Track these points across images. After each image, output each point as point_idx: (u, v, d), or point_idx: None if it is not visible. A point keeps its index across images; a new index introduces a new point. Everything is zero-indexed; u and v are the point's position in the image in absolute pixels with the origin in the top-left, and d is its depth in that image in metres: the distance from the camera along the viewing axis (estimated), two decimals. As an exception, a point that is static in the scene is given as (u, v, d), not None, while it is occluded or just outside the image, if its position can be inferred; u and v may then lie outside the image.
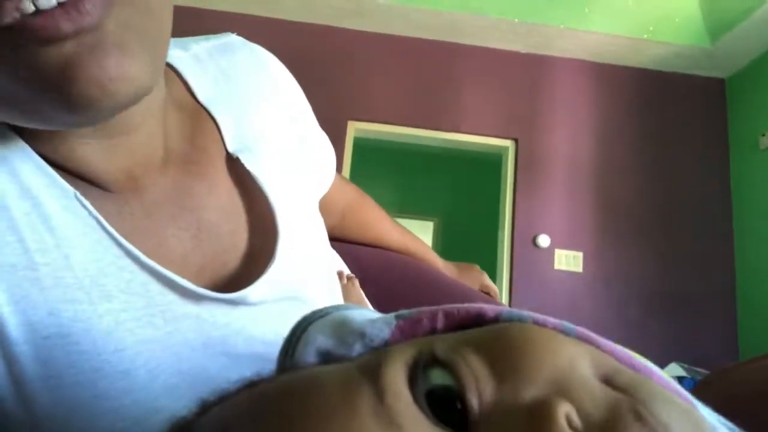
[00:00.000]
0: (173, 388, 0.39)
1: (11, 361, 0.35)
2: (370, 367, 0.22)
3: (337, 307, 0.33)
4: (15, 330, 0.34)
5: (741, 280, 3.43)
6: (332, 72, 3.50)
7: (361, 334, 0.29)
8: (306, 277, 0.50)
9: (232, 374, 0.28)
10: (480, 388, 0.21)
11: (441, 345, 0.23)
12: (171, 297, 0.41)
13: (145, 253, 0.40)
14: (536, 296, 3.32)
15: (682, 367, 2.72)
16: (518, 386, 0.21)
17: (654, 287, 3.40)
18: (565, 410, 0.19)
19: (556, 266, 3.41)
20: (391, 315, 0.30)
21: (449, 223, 5.67)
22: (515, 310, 0.28)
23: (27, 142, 0.36)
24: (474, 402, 0.20)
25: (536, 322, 0.26)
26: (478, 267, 1.06)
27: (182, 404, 0.26)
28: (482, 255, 3.23)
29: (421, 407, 0.20)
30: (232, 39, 0.58)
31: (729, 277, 3.45)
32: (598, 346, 0.24)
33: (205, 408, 0.24)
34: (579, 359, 0.22)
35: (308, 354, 0.30)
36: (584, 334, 0.26)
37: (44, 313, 0.35)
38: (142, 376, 0.38)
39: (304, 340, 0.31)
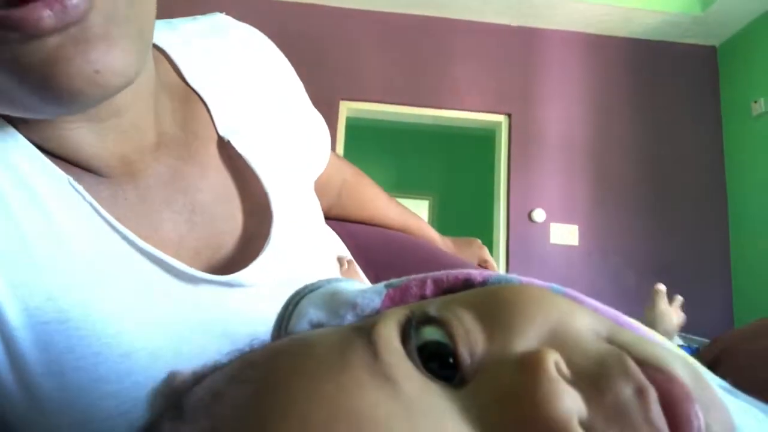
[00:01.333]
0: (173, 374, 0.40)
1: (12, 348, 0.35)
2: (364, 327, 0.22)
3: (328, 281, 0.33)
4: (14, 316, 0.34)
5: (735, 247, 3.45)
6: (323, 52, 3.47)
7: (353, 305, 0.29)
8: (302, 257, 0.50)
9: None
10: (471, 342, 0.21)
11: (433, 304, 0.23)
12: (168, 280, 0.41)
13: (140, 237, 0.40)
14: (533, 270, 3.33)
15: (680, 335, 2.75)
16: (509, 339, 0.21)
17: (649, 257, 3.42)
18: (554, 358, 0.19)
19: (552, 240, 3.42)
20: (381, 284, 0.30)
21: (445, 200, 5.68)
22: (502, 274, 0.28)
23: (18, 129, 0.36)
24: (465, 355, 0.21)
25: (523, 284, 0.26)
26: (478, 241, 1.06)
27: None
28: (478, 231, 3.24)
29: (413, 361, 0.20)
30: (221, 19, 0.57)
31: (723, 244, 3.47)
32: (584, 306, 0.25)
33: (198, 379, 0.24)
34: (570, 314, 0.22)
35: (301, 326, 0.30)
36: (572, 294, 0.26)
37: (43, 298, 0.35)
38: (143, 358, 0.39)
39: (297, 313, 0.31)
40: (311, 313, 0.31)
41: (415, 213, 0.99)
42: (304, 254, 0.51)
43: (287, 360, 0.21)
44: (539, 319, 0.22)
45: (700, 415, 0.18)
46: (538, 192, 3.48)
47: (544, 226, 3.44)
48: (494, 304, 0.23)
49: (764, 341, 0.45)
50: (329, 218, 0.80)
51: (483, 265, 1.02)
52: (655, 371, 0.19)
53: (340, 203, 0.84)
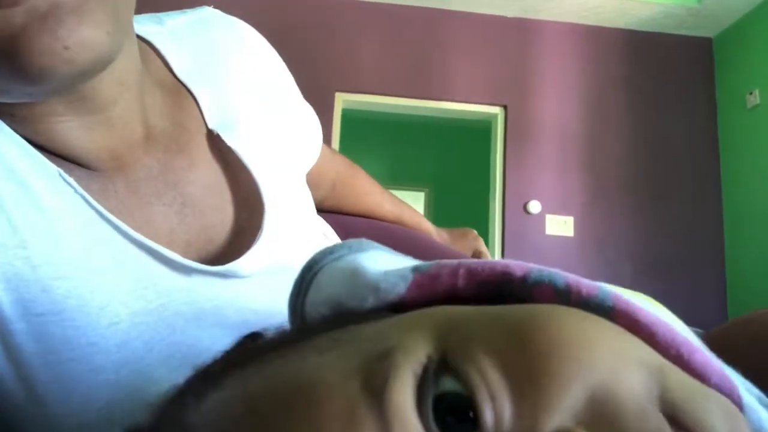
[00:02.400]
0: (168, 359, 0.40)
1: (8, 340, 0.35)
2: (376, 383, 0.19)
3: (349, 247, 0.31)
4: (9, 308, 0.34)
5: (729, 238, 3.47)
6: (317, 43, 3.46)
7: (375, 288, 0.27)
8: (294, 248, 0.50)
9: (225, 344, 0.28)
10: (497, 408, 0.18)
11: (452, 343, 0.20)
12: (161, 270, 0.41)
13: (132, 228, 0.40)
14: (529, 262, 3.34)
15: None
16: (539, 408, 0.18)
17: (645, 248, 3.44)
18: None
19: (548, 231, 3.43)
20: (408, 267, 0.27)
21: (440, 192, 5.68)
22: (545, 270, 0.25)
23: (7, 123, 0.36)
24: (489, 422, 0.18)
25: (569, 287, 0.24)
26: (474, 232, 1.05)
27: (178, 374, 0.27)
28: (474, 223, 3.24)
29: (425, 421, 0.18)
30: (209, 12, 0.57)
31: (718, 236, 3.49)
32: (637, 324, 0.22)
33: (200, 388, 0.23)
34: (617, 369, 0.19)
35: (320, 304, 0.29)
36: (623, 308, 0.23)
37: (37, 290, 0.35)
38: (138, 348, 0.39)
39: (316, 284, 0.29)
40: (331, 290, 0.28)
41: (409, 205, 0.99)
42: (296, 245, 0.51)
43: (294, 420, 0.20)
44: (578, 383, 0.19)
45: None
46: (533, 183, 3.48)
47: (540, 218, 3.45)
48: (525, 353, 0.19)
49: (755, 326, 0.45)
50: (323, 211, 0.80)
51: (477, 256, 1.02)
52: None
53: (334, 195, 0.84)
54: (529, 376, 0.19)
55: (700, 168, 3.58)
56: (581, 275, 0.26)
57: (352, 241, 0.31)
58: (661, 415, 0.18)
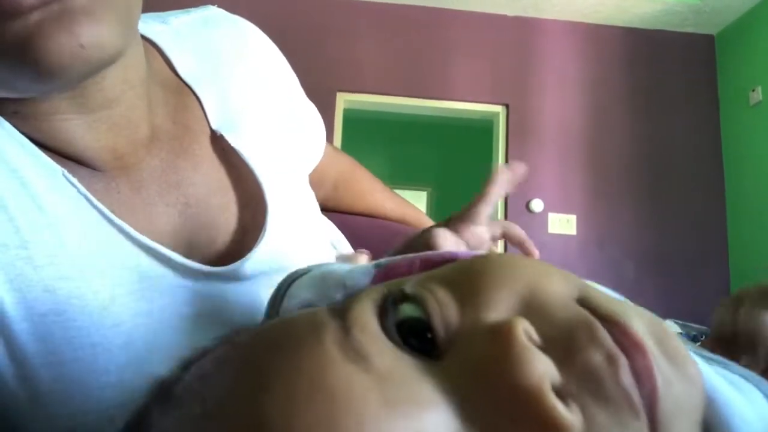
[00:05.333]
0: (171, 360, 0.40)
1: (10, 340, 0.35)
2: (340, 308, 0.23)
3: (319, 265, 0.34)
4: (12, 308, 0.34)
5: (732, 236, 3.46)
6: (319, 43, 3.45)
7: (343, 285, 0.30)
8: (297, 248, 0.50)
9: None
10: (445, 315, 0.21)
11: (409, 282, 0.24)
12: (163, 271, 0.41)
13: (135, 229, 0.40)
14: (531, 260, 3.33)
15: (677, 323, 2.77)
16: (480, 310, 0.21)
17: (647, 246, 3.43)
18: (523, 326, 0.20)
19: (550, 230, 3.43)
20: (371, 264, 0.30)
21: (442, 191, 5.67)
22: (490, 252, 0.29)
23: (10, 121, 0.36)
24: (439, 327, 0.21)
25: None
26: None
27: None
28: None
29: (390, 337, 0.21)
30: (213, 12, 0.57)
31: (721, 233, 3.48)
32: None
33: (186, 365, 0.25)
34: (540, 279, 0.23)
35: (292, 308, 0.30)
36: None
37: (39, 290, 0.35)
38: (141, 348, 0.39)
39: (289, 295, 0.32)
40: (303, 294, 0.31)
41: (412, 204, 0.99)
42: (300, 245, 0.51)
43: (268, 340, 0.22)
44: (509, 287, 0.22)
45: (653, 365, 0.19)
46: (536, 182, 3.47)
47: (542, 216, 3.44)
48: (466, 276, 0.23)
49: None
50: (326, 210, 0.80)
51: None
52: (616, 325, 0.20)
53: (337, 195, 0.84)
54: (470, 289, 0.22)
55: (702, 166, 3.57)
56: (584, 274, 0.27)
57: (322, 262, 0.36)
58: (580, 307, 0.21)
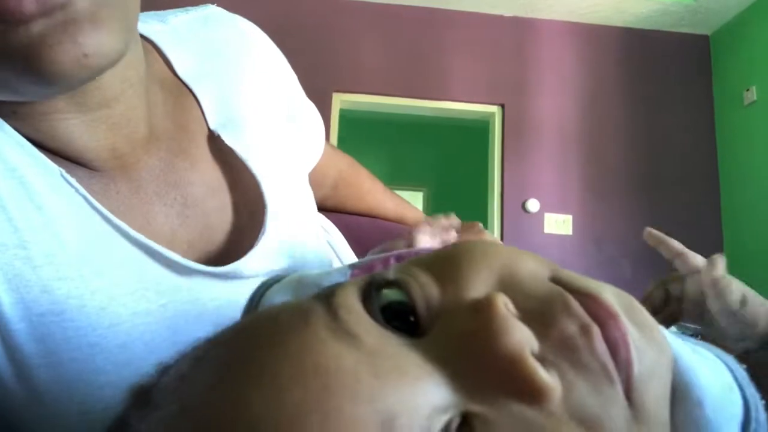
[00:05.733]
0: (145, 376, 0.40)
1: (8, 341, 0.35)
2: (324, 295, 0.23)
3: (293, 270, 0.35)
4: (10, 309, 0.34)
5: (728, 235, 3.47)
6: (314, 43, 3.45)
7: (319, 286, 0.30)
8: (296, 248, 0.50)
9: None
10: (427, 296, 0.22)
11: (392, 269, 0.25)
12: (162, 271, 0.41)
13: (133, 229, 0.40)
14: (527, 260, 3.34)
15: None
16: (461, 288, 0.23)
17: (644, 245, 3.37)
18: (503, 299, 0.21)
19: (546, 230, 3.43)
20: (346, 265, 0.31)
21: (439, 191, 5.68)
22: None
23: (7, 121, 0.36)
24: (422, 308, 0.22)
25: None
26: (479, 225, 1.05)
27: None
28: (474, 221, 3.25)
29: (375, 318, 0.21)
30: (213, 10, 0.56)
31: (716, 233, 3.49)
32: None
33: (165, 370, 0.24)
34: (514, 260, 0.24)
35: None
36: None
37: (38, 291, 0.35)
38: (140, 348, 0.39)
39: (264, 302, 0.32)
40: (278, 299, 0.31)
41: (412, 204, 0.99)
42: (298, 245, 0.51)
43: (251, 331, 0.22)
44: (486, 268, 0.23)
45: (626, 331, 0.20)
46: (531, 182, 3.48)
47: (538, 216, 3.44)
48: (445, 260, 0.24)
49: None
50: (325, 209, 0.80)
51: None
52: (588, 297, 0.21)
53: (336, 194, 0.84)
54: (450, 271, 0.23)
55: (697, 165, 3.58)
56: (580, 273, 0.27)
57: (296, 269, 0.37)
58: (554, 284, 0.23)
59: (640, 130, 3.58)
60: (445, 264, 0.24)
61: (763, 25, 3.31)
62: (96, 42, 0.30)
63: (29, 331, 0.35)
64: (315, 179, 0.66)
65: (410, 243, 0.53)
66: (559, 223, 3.44)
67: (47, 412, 0.36)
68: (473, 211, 4.59)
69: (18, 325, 0.35)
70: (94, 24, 0.30)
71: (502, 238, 3.42)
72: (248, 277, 0.46)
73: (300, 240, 0.52)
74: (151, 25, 0.49)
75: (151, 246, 0.40)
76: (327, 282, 0.30)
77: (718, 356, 0.25)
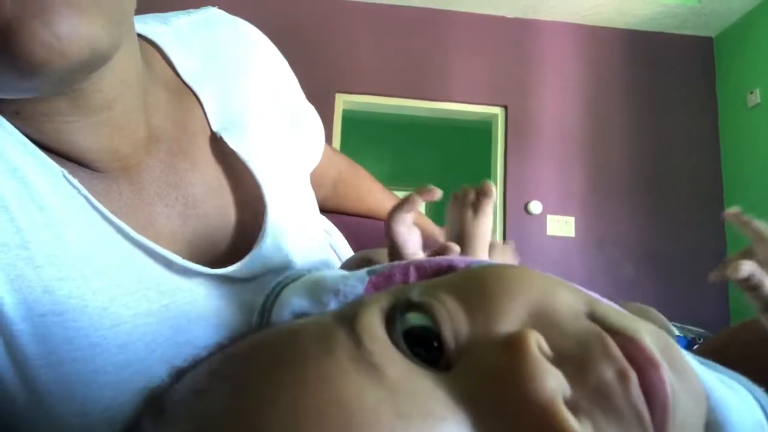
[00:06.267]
0: (171, 360, 0.40)
1: (10, 341, 0.35)
2: (346, 315, 0.22)
3: (308, 270, 0.34)
4: (12, 309, 0.34)
5: (731, 238, 3.46)
6: (317, 44, 3.45)
7: (335, 291, 0.29)
8: (297, 248, 0.50)
9: None
10: (455, 325, 0.21)
11: (416, 289, 0.23)
12: (163, 272, 0.41)
13: (135, 230, 0.40)
14: (530, 263, 3.31)
15: (675, 326, 2.77)
16: (491, 320, 0.21)
17: (646, 248, 3.43)
18: (536, 339, 0.20)
19: (549, 232, 3.43)
20: (363, 271, 0.30)
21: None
22: (486, 260, 0.28)
23: (11, 122, 0.36)
24: (450, 338, 0.21)
25: None
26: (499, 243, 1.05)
27: None
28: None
29: (398, 347, 0.20)
30: (214, 13, 0.57)
31: (720, 235, 3.48)
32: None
33: (179, 375, 0.24)
34: (550, 292, 0.23)
35: (283, 316, 0.30)
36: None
37: (39, 291, 0.35)
38: (140, 349, 0.39)
39: (279, 303, 0.32)
40: (294, 302, 0.31)
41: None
42: (299, 246, 0.51)
43: (269, 351, 0.21)
44: (520, 299, 0.22)
45: (666, 380, 0.19)
46: (534, 184, 3.48)
47: (541, 218, 3.44)
48: (475, 286, 0.23)
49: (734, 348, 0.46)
50: (325, 211, 0.80)
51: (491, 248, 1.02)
52: (629, 341, 0.20)
53: (336, 195, 0.84)
54: (480, 299, 0.22)
55: (701, 167, 3.57)
56: (582, 275, 0.27)
57: (312, 267, 0.36)
58: (591, 322, 0.21)
59: (643, 132, 3.57)
60: (476, 290, 0.23)
61: (767, 27, 3.30)
62: (70, 27, 0.29)
63: (31, 331, 0.35)
64: (315, 180, 0.66)
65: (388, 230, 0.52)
66: (561, 225, 3.44)
67: (48, 413, 0.36)
68: (476, 212, 4.58)
69: (20, 326, 0.35)
70: (69, 8, 0.29)
71: (504, 240, 3.41)
72: (249, 279, 0.46)
73: (301, 242, 0.52)
74: (152, 26, 0.49)
75: (152, 247, 0.40)
76: (344, 287, 0.29)
77: (749, 390, 0.24)
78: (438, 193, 0.52)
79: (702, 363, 0.26)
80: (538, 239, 3.41)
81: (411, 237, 0.51)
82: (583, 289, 0.25)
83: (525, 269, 0.25)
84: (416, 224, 0.95)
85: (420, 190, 0.49)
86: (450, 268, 0.28)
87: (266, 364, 0.20)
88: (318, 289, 0.30)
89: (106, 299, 0.38)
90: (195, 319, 0.42)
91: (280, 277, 0.34)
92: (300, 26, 3.42)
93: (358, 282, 0.29)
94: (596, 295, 0.25)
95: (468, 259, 0.28)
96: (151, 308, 0.40)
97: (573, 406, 0.19)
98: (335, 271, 0.33)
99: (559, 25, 3.67)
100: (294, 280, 0.33)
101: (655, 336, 0.21)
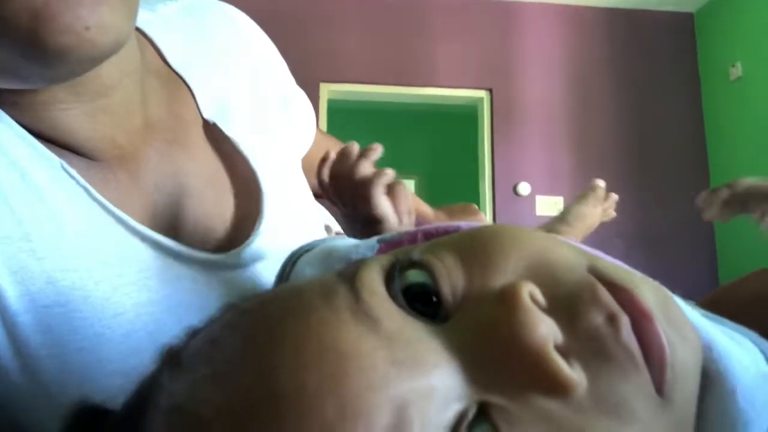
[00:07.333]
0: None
1: (14, 333, 0.35)
2: (348, 272, 0.23)
3: (323, 240, 0.34)
4: (15, 301, 0.35)
5: (718, 211, 3.50)
6: (300, 33, 3.43)
7: (347, 260, 0.30)
8: (295, 233, 0.51)
9: None
10: (452, 280, 0.22)
11: (417, 249, 0.24)
12: (164, 260, 0.41)
13: (134, 219, 0.40)
14: (521, 244, 3.35)
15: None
16: (488, 275, 0.22)
17: (635, 226, 3.46)
18: (528, 289, 0.20)
19: (538, 212, 3.45)
20: (374, 239, 0.31)
21: (430, 178, 5.68)
22: (492, 224, 0.29)
23: (7, 112, 0.36)
24: (447, 293, 0.22)
25: None
26: (473, 206, 1.06)
27: None
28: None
29: (397, 302, 0.21)
30: None
31: (706, 209, 3.52)
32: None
33: (194, 333, 0.25)
34: (547, 247, 0.23)
35: None
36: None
37: (42, 282, 0.35)
38: (144, 338, 0.39)
39: (294, 273, 0.32)
40: (307, 271, 0.31)
41: (405, 187, 0.99)
42: (297, 230, 0.51)
43: (277, 304, 0.23)
44: (516, 254, 0.22)
45: (660, 332, 0.20)
46: (522, 165, 3.49)
47: (530, 199, 3.46)
48: (473, 243, 0.23)
49: (740, 291, 0.46)
50: (318, 197, 0.80)
51: None
52: (622, 291, 0.21)
53: None
54: (478, 254, 0.23)
55: (685, 142, 3.61)
56: None
57: (325, 237, 0.36)
58: (588, 273, 0.22)
59: (628, 109, 3.59)
60: (475, 246, 0.23)
61: (747, 1, 3.32)
62: (99, 16, 0.30)
63: (35, 323, 0.35)
64: (308, 166, 0.66)
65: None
66: (551, 205, 3.46)
67: (53, 404, 0.36)
68: (465, 196, 4.58)
69: (24, 317, 0.35)
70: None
71: (494, 222, 3.43)
72: (249, 264, 0.46)
73: (298, 224, 0.52)
74: (140, 14, 0.49)
75: (151, 236, 0.40)
76: (355, 255, 0.30)
77: (754, 342, 0.25)
78: (377, 152, 0.59)
79: (705, 316, 0.26)
80: (528, 220, 3.42)
81: (391, 210, 0.54)
82: (591, 249, 0.26)
83: (527, 228, 0.25)
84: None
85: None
86: (457, 230, 0.29)
87: (273, 315, 0.21)
88: (331, 258, 0.31)
89: (108, 289, 0.38)
90: (197, 308, 0.42)
91: (295, 249, 0.34)
92: (282, 15, 3.39)
93: (368, 250, 0.30)
94: (606, 256, 0.26)
95: (474, 224, 0.29)
96: (153, 297, 0.40)
97: (565, 352, 0.19)
98: (347, 240, 0.34)
99: (540, 5, 3.67)
100: (308, 250, 0.34)
101: (653, 291, 0.22)
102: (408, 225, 0.61)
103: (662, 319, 0.20)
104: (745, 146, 3.28)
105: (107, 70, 0.37)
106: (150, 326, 0.40)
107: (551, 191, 3.48)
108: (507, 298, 0.20)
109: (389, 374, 0.18)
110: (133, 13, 0.34)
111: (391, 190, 0.59)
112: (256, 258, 0.46)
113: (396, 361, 0.19)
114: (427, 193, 5.59)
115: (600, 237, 3.58)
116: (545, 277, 0.22)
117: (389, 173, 0.59)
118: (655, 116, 3.60)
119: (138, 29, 0.48)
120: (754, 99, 3.24)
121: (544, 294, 0.21)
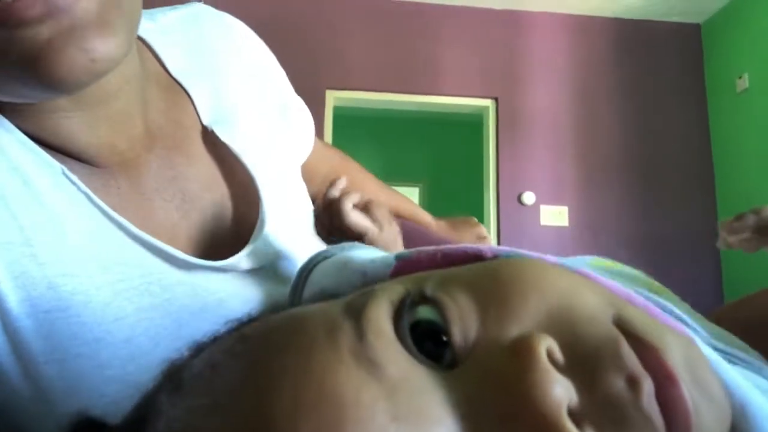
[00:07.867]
0: (175, 353, 0.41)
1: (15, 338, 0.35)
2: (355, 305, 0.22)
3: (341, 247, 0.34)
4: (16, 306, 0.35)
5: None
6: (306, 41, 3.45)
7: (363, 273, 0.29)
8: (293, 239, 0.51)
9: None
10: (464, 323, 0.21)
11: (431, 280, 0.23)
12: (164, 266, 0.42)
13: (135, 225, 0.40)
14: (525, 253, 3.34)
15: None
16: (503, 321, 0.20)
17: (639, 234, 3.45)
18: (546, 345, 0.19)
19: (543, 222, 3.44)
20: (392, 255, 0.30)
21: (434, 186, 5.69)
22: (514, 249, 0.27)
23: (9, 119, 0.36)
24: (457, 334, 0.20)
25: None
26: (473, 219, 1.06)
27: None
28: (469, 216, 3.25)
29: (403, 342, 0.20)
30: (200, 8, 0.57)
31: (711, 220, 3.51)
32: (598, 284, 0.24)
33: (199, 349, 0.25)
34: (572, 293, 0.21)
35: (314, 297, 0.30)
36: (584, 273, 0.25)
37: (43, 287, 0.35)
38: (144, 343, 0.39)
39: (310, 281, 0.32)
40: (323, 282, 0.31)
41: (406, 197, 0.99)
42: (295, 236, 0.52)
43: (279, 336, 0.22)
44: (536, 298, 0.21)
45: (686, 396, 0.18)
46: (527, 175, 3.49)
47: (534, 209, 3.45)
48: (491, 282, 0.22)
49: (746, 311, 0.45)
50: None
51: (481, 241, 1.03)
52: (649, 350, 0.19)
53: None
54: (494, 297, 0.21)
55: (691, 153, 3.60)
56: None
57: (343, 244, 0.35)
58: (613, 326, 0.20)
59: (634, 119, 3.59)
60: (492, 287, 0.22)
61: (754, 13, 3.32)
62: (103, 47, 0.30)
63: (35, 327, 0.35)
64: (307, 174, 0.67)
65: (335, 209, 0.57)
66: (555, 215, 3.45)
67: (53, 409, 0.36)
68: (469, 205, 4.60)
69: (24, 322, 0.35)
70: (101, 28, 0.30)
71: (498, 232, 3.43)
72: (248, 270, 0.47)
73: (297, 230, 0.52)
74: (140, 23, 0.49)
75: (151, 242, 0.41)
76: (371, 270, 0.29)
77: None
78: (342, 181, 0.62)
79: (728, 357, 0.25)
80: (532, 229, 3.42)
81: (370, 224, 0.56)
82: (619, 289, 0.24)
83: (549, 266, 0.23)
84: (411, 218, 0.96)
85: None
86: (477, 257, 0.27)
87: (274, 348, 0.21)
88: (346, 269, 0.30)
89: (109, 294, 0.38)
90: (197, 313, 0.43)
91: (312, 255, 0.34)
92: (289, 23, 3.42)
93: (384, 266, 0.29)
94: (636, 296, 0.24)
95: (495, 248, 0.28)
96: (153, 302, 0.40)
97: (580, 416, 0.18)
98: (364, 252, 0.33)
99: (546, 15, 3.68)
100: (325, 258, 0.33)
101: (682, 346, 0.20)
102: (392, 233, 0.62)
103: (688, 379, 0.19)
104: (751, 158, 3.26)
105: (108, 78, 0.37)
106: (150, 331, 0.40)
107: (556, 201, 3.48)
108: (522, 351, 0.19)
109: (388, 429, 0.17)
110: (134, 30, 0.35)
111: (362, 206, 0.61)
112: (255, 263, 0.47)
113: (397, 416, 0.18)
114: (431, 201, 5.60)
115: (605, 248, 3.57)
116: (566, 328, 0.20)
117: (356, 193, 0.61)
118: (661, 127, 3.60)
119: (139, 37, 0.48)
120: (760, 111, 3.23)
121: (563, 348, 0.19)
